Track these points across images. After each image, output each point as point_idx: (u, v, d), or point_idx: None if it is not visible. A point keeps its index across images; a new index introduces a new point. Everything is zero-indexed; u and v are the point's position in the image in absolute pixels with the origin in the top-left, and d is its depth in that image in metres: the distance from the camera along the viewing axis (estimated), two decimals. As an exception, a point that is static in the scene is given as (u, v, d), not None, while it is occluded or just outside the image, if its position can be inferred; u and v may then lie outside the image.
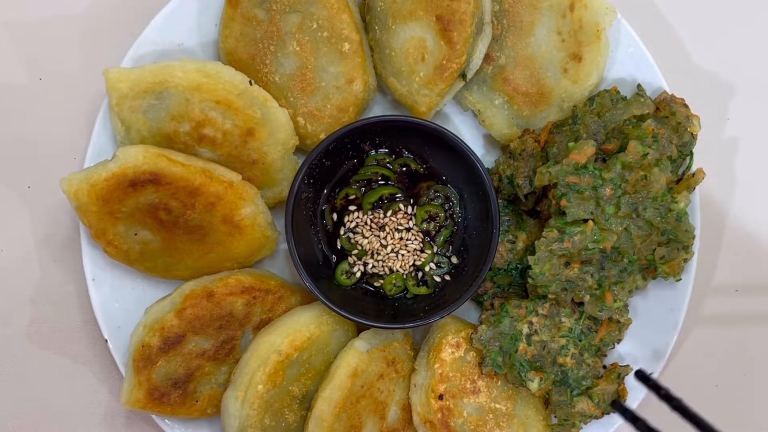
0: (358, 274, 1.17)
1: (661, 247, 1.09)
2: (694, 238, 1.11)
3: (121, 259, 1.11)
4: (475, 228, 1.17)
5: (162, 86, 1.07)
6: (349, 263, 1.17)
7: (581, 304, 1.12)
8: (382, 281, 1.18)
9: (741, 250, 1.31)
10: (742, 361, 1.29)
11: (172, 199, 1.06)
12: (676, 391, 0.95)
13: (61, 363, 1.24)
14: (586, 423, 1.14)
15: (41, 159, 1.26)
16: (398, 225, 1.17)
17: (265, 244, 1.14)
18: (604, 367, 1.16)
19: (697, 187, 1.15)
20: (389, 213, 1.17)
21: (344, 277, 1.17)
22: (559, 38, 1.14)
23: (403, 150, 1.18)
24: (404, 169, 1.19)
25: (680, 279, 1.12)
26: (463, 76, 1.14)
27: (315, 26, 1.12)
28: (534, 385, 1.11)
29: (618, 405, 1.12)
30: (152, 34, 1.16)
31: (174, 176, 1.05)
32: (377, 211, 1.17)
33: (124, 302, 1.16)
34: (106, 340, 1.15)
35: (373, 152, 1.18)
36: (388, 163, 1.19)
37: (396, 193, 1.18)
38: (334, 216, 1.18)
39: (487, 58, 1.16)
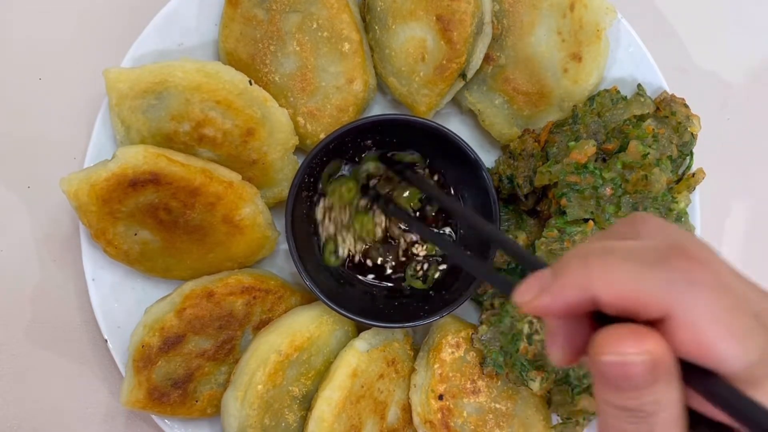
0: (344, 252, 1.17)
1: (662, 247, 1.09)
2: (694, 238, 1.11)
3: (121, 259, 1.11)
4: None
5: (162, 86, 1.07)
6: (334, 243, 1.17)
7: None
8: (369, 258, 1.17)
9: (741, 250, 1.31)
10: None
11: (172, 199, 1.06)
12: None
13: (60, 363, 1.24)
14: (589, 420, 1.14)
15: (41, 159, 1.26)
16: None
17: (265, 244, 1.14)
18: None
19: (697, 187, 1.15)
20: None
21: (333, 258, 1.16)
22: (559, 38, 1.14)
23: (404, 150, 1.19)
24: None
25: (680, 279, 1.12)
26: (463, 76, 1.14)
27: (315, 26, 1.12)
28: (536, 385, 1.10)
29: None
30: (152, 34, 1.15)
31: (174, 176, 1.05)
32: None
33: (124, 302, 1.16)
34: (106, 340, 1.15)
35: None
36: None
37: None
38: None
39: (487, 58, 1.16)
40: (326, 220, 1.17)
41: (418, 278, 1.17)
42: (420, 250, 1.18)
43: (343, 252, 1.17)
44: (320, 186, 1.17)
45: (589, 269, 0.54)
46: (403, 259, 1.19)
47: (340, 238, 1.17)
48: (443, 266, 1.18)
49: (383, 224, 1.17)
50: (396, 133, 1.15)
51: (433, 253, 1.18)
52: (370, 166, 1.17)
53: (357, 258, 1.18)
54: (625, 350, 0.51)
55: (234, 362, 1.12)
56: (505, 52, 1.16)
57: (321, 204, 1.17)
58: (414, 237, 1.18)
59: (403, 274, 1.18)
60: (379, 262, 1.18)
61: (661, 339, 0.51)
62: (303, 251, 1.11)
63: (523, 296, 0.58)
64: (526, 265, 0.68)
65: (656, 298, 0.51)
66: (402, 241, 1.18)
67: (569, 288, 0.55)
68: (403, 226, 1.17)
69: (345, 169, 1.18)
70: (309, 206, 1.16)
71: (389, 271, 1.19)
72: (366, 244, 1.17)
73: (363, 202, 1.17)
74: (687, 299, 0.51)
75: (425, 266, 1.18)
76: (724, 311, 0.51)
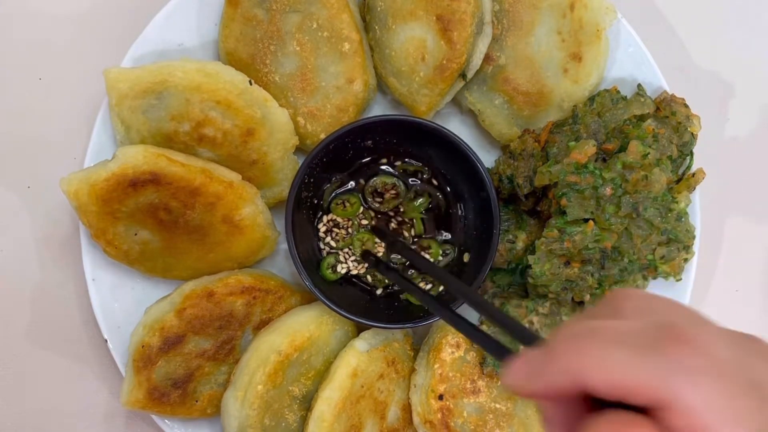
0: (343, 270, 1.17)
1: (662, 247, 1.09)
2: (694, 238, 1.11)
3: (121, 259, 1.11)
4: (476, 228, 1.16)
5: (162, 86, 1.07)
6: (335, 258, 1.17)
7: (582, 303, 1.12)
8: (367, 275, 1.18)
9: (741, 250, 1.31)
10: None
11: (172, 199, 1.06)
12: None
13: (61, 363, 1.24)
14: (588, 420, 1.14)
15: (41, 159, 1.26)
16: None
17: (265, 244, 1.14)
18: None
19: (697, 187, 1.15)
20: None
21: (329, 271, 1.16)
22: (559, 38, 1.14)
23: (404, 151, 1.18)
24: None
25: (680, 279, 1.12)
26: (463, 76, 1.14)
27: (315, 26, 1.12)
28: (535, 385, 1.10)
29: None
30: (152, 34, 1.15)
31: (174, 176, 1.05)
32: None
33: (124, 302, 1.16)
34: (106, 340, 1.15)
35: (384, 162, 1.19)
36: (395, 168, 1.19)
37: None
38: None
39: (487, 58, 1.16)
40: (327, 237, 1.17)
41: None
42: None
43: (341, 270, 1.17)
44: (323, 202, 1.17)
45: (580, 356, 0.52)
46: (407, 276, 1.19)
47: (341, 257, 1.17)
48: (443, 287, 1.17)
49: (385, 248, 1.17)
50: (396, 134, 1.15)
51: (438, 261, 1.17)
52: (378, 181, 1.17)
53: (356, 273, 1.18)
54: None
55: (234, 362, 1.12)
56: (505, 52, 1.16)
57: (324, 219, 1.17)
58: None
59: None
60: (379, 281, 1.18)
61: (654, 429, 0.50)
62: (303, 251, 1.11)
63: (513, 380, 0.57)
64: (515, 336, 0.67)
65: (649, 387, 0.50)
66: (405, 260, 1.18)
67: (560, 375, 0.53)
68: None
69: (349, 185, 1.18)
70: (310, 207, 1.16)
71: (388, 290, 1.19)
72: (366, 267, 1.17)
73: (365, 221, 1.17)
74: (681, 388, 0.50)
75: (428, 286, 1.17)
76: (721, 397, 0.50)
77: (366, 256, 1.16)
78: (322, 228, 1.17)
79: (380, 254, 1.17)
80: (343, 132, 1.10)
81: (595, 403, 0.54)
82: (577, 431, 0.53)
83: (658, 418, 0.50)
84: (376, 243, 1.16)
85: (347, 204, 1.16)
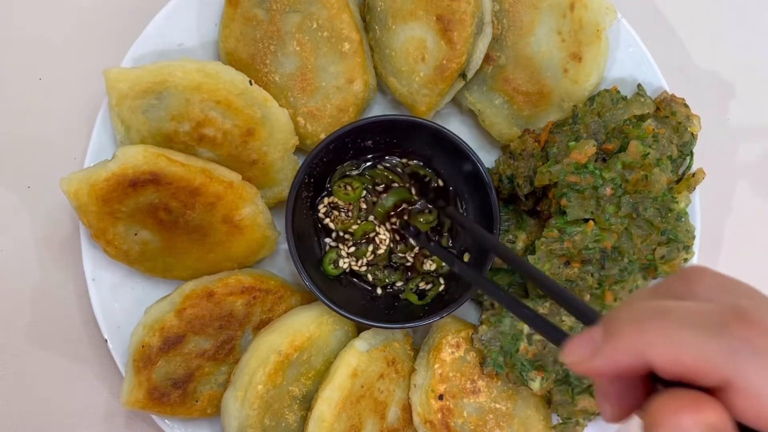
0: (345, 265, 1.17)
1: (662, 247, 1.09)
2: (694, 238, 1.11)
3: (121, 259, 1.11)
4: (476, 228, 1.17)
5: (162, 86, 1.07)
6: (337, 253, 1.17)
7: (581, 303, 1.12)
8: (370, 274, 1.18)
9: (741, 250, 1.31)
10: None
11: (172, 199, 1.06)
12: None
13: (61, 363, 1.24)
14: (589, 420, 1.14)
15: (41, 159, 1.26)
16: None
17: (265, 244, 1.14)
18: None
19: (697, 187, 1.15)
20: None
21: (332, 266, 1.16)
22: (560, 38, 1.14)
23: (408, 152, 1.18)
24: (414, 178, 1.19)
25: (680, 279, 1.12)
26: (463, 76, 1.14)
27: (315, 26, 1.12)
28: (536, 385, 1.10)
29: None
30: (152, 34, 1.15)
31: (174, 176, 1.05)
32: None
33: (124, 302, 1.16)
34: (106, 340, 1.15)
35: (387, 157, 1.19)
36: (398, 168, 1.19)
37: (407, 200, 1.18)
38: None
39: (487, 58, 1.16)
40: (327, 219, 1.17)
41: (415, 293, 1.17)
42: (429, 266, 1.17)
43: (342, 265, 1.17)
44: (328, 185, 1.17)
45: (645, 335, 0.52)
46: (407, 276, 1.19)
47: (342, 252, 1.17)
48: (443, 286, 1.17)
49: (387, 242, 1.17)
50: (396, 134, 1.15)
51: (441, 267, 1.17)
52: (383, 175, 1.18)
53: (357, 269, 1.18)
54: (682, 422, 0.49)
55: (234, 362, 1.12)
56: (505, 52, 1.16)
57: (325, 201, 1.17)
58: (420, 250, 1.18)
59: (402, 286, 1.18)
60: (379, 280, 1.18)
61: (721, 408, 0.50)
62: (303, 251, 1.10)
63: (573, 357, 0.56)
64: (574, 313, 0.66)
65: (716, 367, 0.50)
66: (407, 259, 1.18)
67: (622, 352, 0.53)
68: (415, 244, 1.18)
69: (354, 171, 1.18)
70: (309, 206, 1.16)
71: (388, 289, 1.19)
72: (367, 263, 1.17)
73: (364, 206, 1.17)
74: (748, 369, 0.49)
75: (428, 285, 1.17)
76: None
77: (399, 217, 1.17)
78: (322, 209, 1.17)
79: (385, 245, 1.16)
80: (343, 132, 1.10)
81: (652, 381, 0.54)
82: (644, 407, 0.52)
83: (722, 399, 0.50)
84: (381, 239, 1.16)
85: (349, 188, 1.16)
